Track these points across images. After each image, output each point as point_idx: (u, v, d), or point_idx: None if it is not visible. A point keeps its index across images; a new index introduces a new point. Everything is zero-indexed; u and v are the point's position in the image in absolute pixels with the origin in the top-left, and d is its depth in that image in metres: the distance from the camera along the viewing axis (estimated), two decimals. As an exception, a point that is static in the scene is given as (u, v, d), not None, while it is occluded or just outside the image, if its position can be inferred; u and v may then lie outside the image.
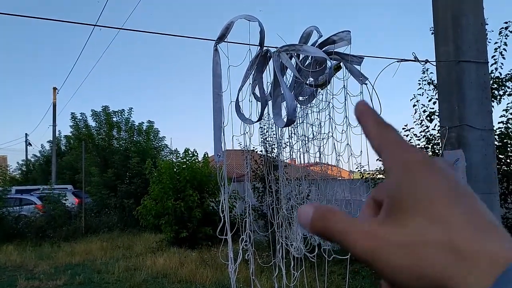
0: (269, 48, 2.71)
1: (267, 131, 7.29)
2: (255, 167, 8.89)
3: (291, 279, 3.16)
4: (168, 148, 19.77)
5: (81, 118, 19.62)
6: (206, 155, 12.99)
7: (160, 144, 19.73)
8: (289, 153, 3.34)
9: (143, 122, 19.44)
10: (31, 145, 37.86)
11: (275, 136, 3.61)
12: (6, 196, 14.93)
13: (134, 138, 18.93)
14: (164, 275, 7.83)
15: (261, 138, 8.06)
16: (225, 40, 2.55)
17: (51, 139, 28.09)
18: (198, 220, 10.85)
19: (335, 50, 2.70)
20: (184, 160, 11.93)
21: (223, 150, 2.60)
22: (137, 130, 19.15)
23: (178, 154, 13.27)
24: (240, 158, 5.28)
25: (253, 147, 7.60)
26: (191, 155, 12.03)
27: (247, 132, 2.76)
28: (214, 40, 2.55)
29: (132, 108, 19.45)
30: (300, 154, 3.08)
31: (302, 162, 3.28)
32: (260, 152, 8.06)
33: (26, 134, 37.29)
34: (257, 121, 2.79)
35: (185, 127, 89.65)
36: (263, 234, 7.05)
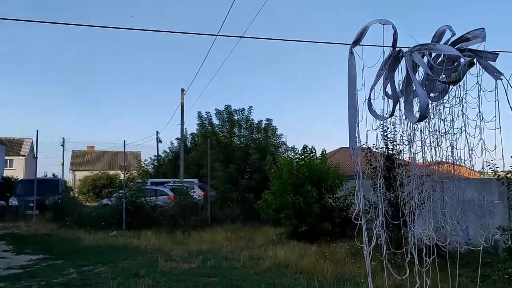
0: (401, 48, 2.84)
1: (387, 128, 7.26)
2: (375, 164, 8.84)
3: (422, 267, 3.22)
4: (286, 145, 20.37)
5: (206, 117, 21.15)
6: (324, 152, 13.16)
7: (278, 141, 20.40)
8: (414, 150, 3.40)
9: (262, 120, 20.29)
10: (161, 142, 41.67)
11: (401, 132, 3.68)
12: (144, 188, 16.75)
13: (254, 136, 19.85)
14: (286, 265, 8.22)
15: (382, 134, 8.03)
16: (360, 43, 2.74)
17: (179, 137, 30.60)
18: (316, 215, 11.09)
19: (468, 47, 2.72)
20: (303, 156, 12.24)
21: (357, 144, 2.80)
22: (256, 128, 20.06)
23: (296, 151, 13.67)
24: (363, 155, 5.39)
25: (373, 144, 7.62)
26: (309, 152, 12.30)
27: (377, 128, 2.92)
28: (349, 44, 2.77)
29: (252, 106, 20.44)
30: (432, 148, 3.13)
31: (431, 159, 3.32)
32: (381, 149, 8.01)
33: (157, 132, 41.12)
34: (388, 117, 2.93)
35: (300, 124, 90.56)
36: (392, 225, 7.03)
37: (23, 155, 54.09)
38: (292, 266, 8.07)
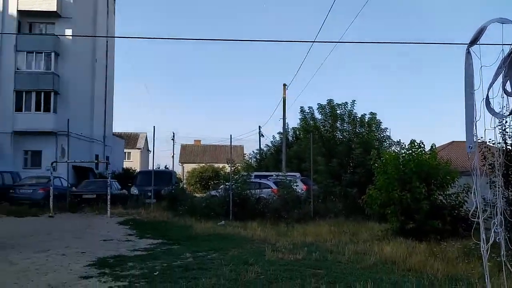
0: (523, 45, 2.74)
1: (508, 125, 6.84)
2: (493, 161, 8.30)
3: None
4: (390, 139, 19.78)
5: (308, 111, 21.34)
6: (434, 147, 12.59)
7: (382, 135, 19.89)
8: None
9: (366, 114, 19.92)
10: (263, 136, 42.88)
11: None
12: (249, 180, 17.47)
13: (357, 130, 19.59)
14: (393, 262, 8.10)
15: (501, 131, 7.55)
16: (478, 43, 2.71)
17: (281, 131, 31.23)
18: (425, 212, 10.69)
19: None
20: (410, 151, 11.85)
21: (475, 143, 2.78)
22: (360, 122, 19.75)
23: (402, 145, 13.24)
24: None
25: (489, 139, 7.20)
26: (417, 146, 11.87)
27: (496, 126, 2.86)
28: (466, 44, 2.75)
29: (355, 100, 20.16)
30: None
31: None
32: (499, 145, 7.52)
33: (259, 126, 42.39)
34: (508, 115, 2.86)
35: (406, 118, 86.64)
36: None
37: (138, 148, 59.22)
38: (399, 263, 7.93)
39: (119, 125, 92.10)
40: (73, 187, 20.98)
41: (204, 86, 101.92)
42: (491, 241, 3.04)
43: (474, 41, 2.72)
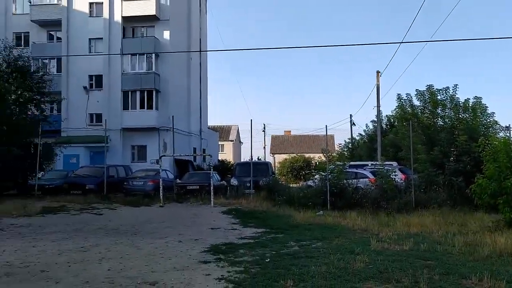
0: None
1: None
2: None
3: None
4: (498, 124, 18.41)
5: (406, 98, 20.60)
6: (551, 131, 11.60)
7: (488, 120, 18.58)
8: None
9: (469, 99, 18.75)
10: (355, 124, 42.12)
11: None
12: (346, 170, 17.41)
13: (460, 116, 18.53)
14: (509, 254, 7.72)
15: None
16: None
17: (374, 119, 30.52)
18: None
19: None
20: (524, 137, 11.06)
21: None
22: (463, 107, 18.65)
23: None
24: None
25: None
26: (532, 132, 11.03)
27: None
28: None
29: (457, 85, 19.07)
30: None
31: None
32: None
33: (350, 115, 41.66)
34: None
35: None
36: None
37: (231, 140, 61.29)
38: (518, 256, 7.56)
39: (212, 118, 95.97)
40: (177, 179, 22.48)
41: (293, 76, 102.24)
42: None
43: None
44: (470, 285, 5.87)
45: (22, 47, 30.19)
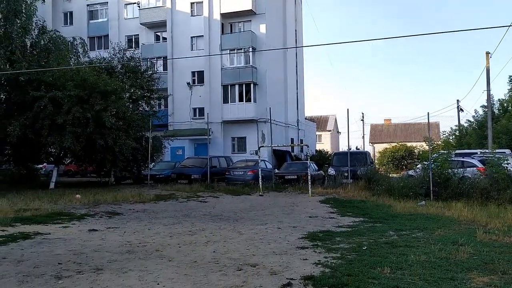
0: None
1: None
2: None
3: None
4: None
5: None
6: None
7: None
8: None
9: None
10: (462, 110, 39.25)
11: None
12: (451, 159, 16.49)
13: None
14: None
15: None
16: None
17: (484, 104, 28.26)
18: None
19: None
20: None
21: None
22: None
23: None
24: None
25: None
26: None
27: None
28: None
29: None
30: None
31: None
32: None
33: (457, 100, 38.91)
34: None
35: None
36: None
37: (329, 131, 60.84)
38: None
39: (310, 109, 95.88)
40: (275, 169, 23.07)
41: (393, 60, 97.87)
42: None
43: None
44: None
45: (133, 48, 33.03)
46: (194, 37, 33.35)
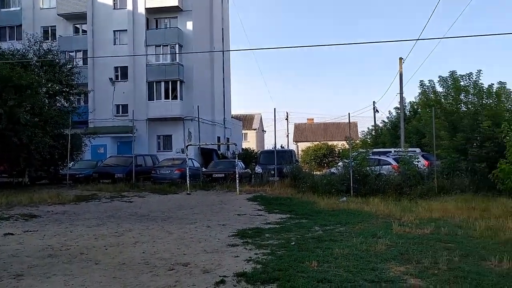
0: None
1: None
2: None
3: None
4: (526, 109, 18.21)
5: (429, 84, 20.49)
6: None
7: (513, 105, 18.39)
8: None
9: (493, 84, 18.55)
10: (378, 111, 41.81)
11: None
12: (368, 157, 17.55)
13: (484, 101, 18.37)
14: (532, 238, 7.88)
15: None
16: None
17: (397, 106, 30.33)
18: None
19: None
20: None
21: None
22: (487, 93, 18.47)
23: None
24: None
25: None
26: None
27: None
28: None
29: (480, 70, 18.86)
30: None
31: None
32: None
33: (373, 102, 41.36)
34: None
35: (540, 82, 77.33)
36: None
37: (254, 129, 61.68)
38: (540, 239, 7.70)
39: (236, 107, 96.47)
40: (203, 168, 23.01)
41: (315, 64, 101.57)
42: None
43: None
44: (489, 266, 6.08)
45: (50, 41, 31.11)
46: (117, 31, 32.18)
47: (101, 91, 31.67)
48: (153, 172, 21.83)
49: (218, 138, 35.69)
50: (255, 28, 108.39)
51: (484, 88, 18.68)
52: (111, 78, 31.89)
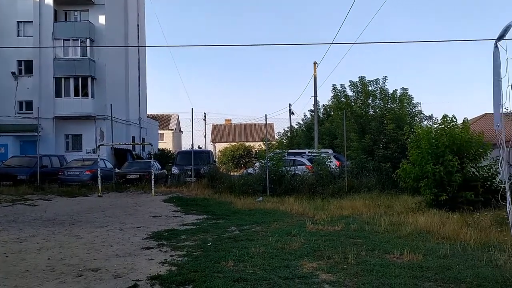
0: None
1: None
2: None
3: None
4: (422, 114, 19.87)
5: (340, 89, 21.54)
6: (466, 121, 12.78)
7: (414, 110, 19.99)
8: None
9: (397, 90, 20.01)
10: (293, 114, 43.22)
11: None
12: (284, 157, 18.03)
13: (389, 106, 19.72)
14: (427, 231, 8.57)
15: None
16: (504, 38, 3.15)
17: (312, 108, 31.55)
18: (458, 185, 11.04)
19: None
20: (443, 126, 12.10)
21: (501, 122, 3.24)
22: (391, 98, 19.87)
23: (435, 120, 13.46)
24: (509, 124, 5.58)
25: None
26: (449, 121, 12.10)
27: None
28: (494, 39, 3.18)
29: (386, 76, 20.24)
30: None
31: None
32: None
33: (289, 104, 42.72)
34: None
35: (438, 93, 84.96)
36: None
37: (171, 129, 60.59)
38: (433, 232, 8.40)
39: (152, 107, 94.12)
40: (116, 169, 22.08)
41: (233, 66, 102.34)
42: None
43: (501, 37, 3.16)
44: (392, 259, 6.52)
45: None
46: (21, 22, 29.77)
47: (2, 86, 29.12)
48: (60, 173, 20.48)
49: (133, 138, 34.49)
50: (173, 27, 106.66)
51: (389, 93, 20.07)
52: (14, 72, 29.42)
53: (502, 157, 3.43)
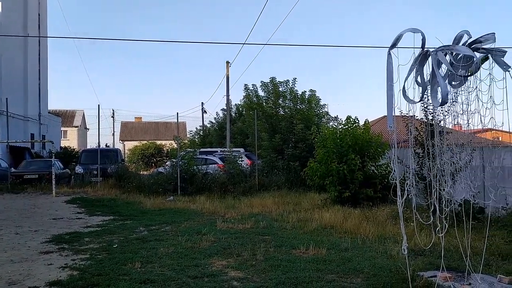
0: (429, 48, 3.50)
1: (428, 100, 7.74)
2: (416, 134, 9.36)
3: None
4: (329, 115, 20.92)
5: (252, 88, 21.93)
6: (367, 122, 13.68)
7: (321, 111, 20.97)
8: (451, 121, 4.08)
9: (306, 91, 20.86)
10: (206, 112, 43.07)
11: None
12: (196, 157, 17.91)
13: (298, 106, 20.50)
14: (331, 226, 9.06)
15: (422, 106, 8.52)
16: (396, 46, 3.42)
17: (224, 107, 31.64)
18: (359, 182, 11.80)
19: (482, 47, 3.35)
20: (346, 126, 12.84)
21: (394, 123, 3.53)
22: (301, 99, 20.66)
23: (340, 121, 14.25)
24: (403, 125, 6.07)
25: (414, 114, 8.12)
26: (352, 122, 12.88)
27: (411, 110, 3.65)
28: (388, 47, 3.45)
29: (296, 78, 21.03)
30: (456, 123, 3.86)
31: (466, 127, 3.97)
32: (421, 119, 8.51)
33: (202, 103, 42.50)
34: (418, 101, 3.63)
35: (344, 95, 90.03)
36: (423, 196, 7.68)
37: (75, 126, 57.20)
38: (337, 227, 8.90)
39: (54, 102, 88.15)
40: (12, 168, 20.34)
41: (144, 63, 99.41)
42: (405, 197, 3.86)
43: (394, 45, 3.44)
44: (299, 254, 6.78)
45: None
46: None
47: None
48: None
49: (32, 135, 31.95)
50: (81, 19, 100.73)
51: (298, 94, 20.85)
52: None
53: (394, 156, 3.71)
